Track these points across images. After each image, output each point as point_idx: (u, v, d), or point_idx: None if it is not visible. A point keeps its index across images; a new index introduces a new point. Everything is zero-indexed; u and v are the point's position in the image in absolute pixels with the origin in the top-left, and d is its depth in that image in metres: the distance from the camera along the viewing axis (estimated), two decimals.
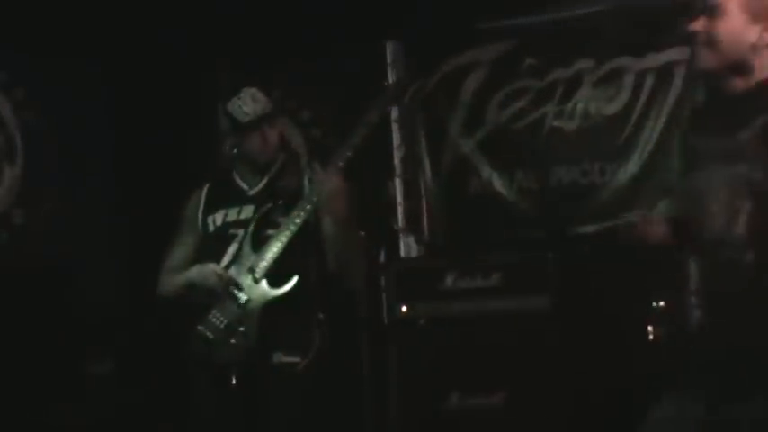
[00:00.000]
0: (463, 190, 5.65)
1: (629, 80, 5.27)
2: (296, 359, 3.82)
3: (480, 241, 5.54)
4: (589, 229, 5.33)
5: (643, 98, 5.24)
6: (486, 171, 5.60)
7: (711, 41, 2.62)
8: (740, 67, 2.63)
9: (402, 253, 5.69)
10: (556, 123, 5.47)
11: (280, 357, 3.81)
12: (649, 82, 5.23)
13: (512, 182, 5.57)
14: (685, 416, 2.58)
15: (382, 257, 5.41)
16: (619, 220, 5.20)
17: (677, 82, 5.13)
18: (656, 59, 5.22)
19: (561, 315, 4.75)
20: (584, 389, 4.68)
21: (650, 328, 4.32)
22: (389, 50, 5.63)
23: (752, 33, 2.61)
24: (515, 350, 4.71)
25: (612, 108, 5.33)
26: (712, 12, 2.62)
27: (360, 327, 4.97)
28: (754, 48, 2.61)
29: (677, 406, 2.61)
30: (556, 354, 4.69)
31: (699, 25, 2.64)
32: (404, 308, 4.92)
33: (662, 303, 4.16)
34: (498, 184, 5.58)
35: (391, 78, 5.46)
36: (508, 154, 5.57)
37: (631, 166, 5.25)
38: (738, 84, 2.64)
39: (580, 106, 5.41)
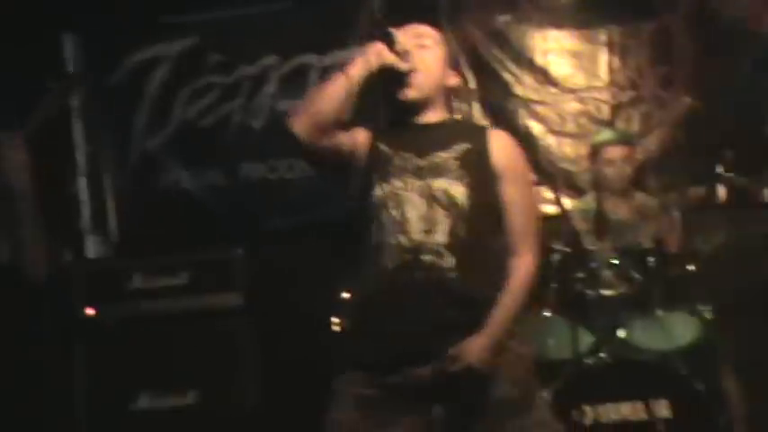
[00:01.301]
0: (151, 187, 5.56)
1: (313, 77, 5.37)
2: None
3: (169, 239, 5.46)
4: (278, 224, 5.39)
5: None
6: (175, 168, 5.53)
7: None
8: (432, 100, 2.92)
9: (88, 253, 5.54)
10: (244, 119, 5.48)
11: None
12: None
13: (201, 178, 5.53)
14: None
15: (68, 258, 5.26)
16: (307, 216, 5.29)
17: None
18: (339, 56, 5.33)
19: (252, 311, 4.77)
20: (276, 383, 4.74)
21: (335, 320, 4.42)
22: (68, 42, 5.44)
23: (449, 77, 2.93)
24: (207, 348, 4.69)
25: None
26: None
27: (43, 330, 4.80)
28: (447, 89, 2.95)
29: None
30: (248, 350, 4.71)
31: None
32: (91, 310, 4.78)
33: (346, 295, 4.27)
34: (187, 181, 5.52)
35: (70, 70, 5.30)
36: (196, 150, 5.53)
37: None
38: (434, 115, 2.92)
39: (267, 102, 5.45)
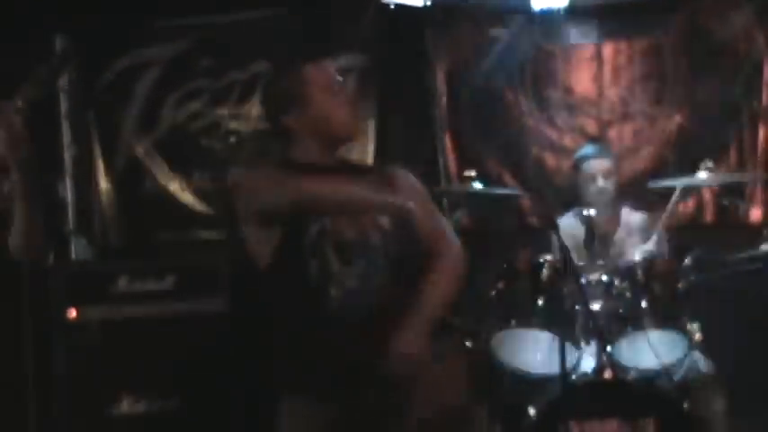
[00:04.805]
0: (138, 190, 5.54)
1: None
2: None
3: (155, 243, 5.45)
4: None
5: None
6: (162, 172, 5.51)
7: None
8: None
9: (73, 255, 5.50)
10: (232, 125, 5.47)
11: None
12: None
13: (188, 183, 5.51)
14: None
15: (51, 259, 5.22)
16: None
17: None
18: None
19: (236, 317, 4.76)
20: (258, 390, 4.72)
21: None
22: (58, 43, 5.40)
23: None
24: (190, 353, 4.67)
25: None
26: None
27: (25, 332, 4.77)
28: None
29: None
30: (230, 356, 4.70)
31: None
32: (73, 312, 4.75)
33: None
34: (174, 185, 5.51)
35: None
36: (184, 155, 5.51)
37: None
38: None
39: (256, 109, 5.44)
